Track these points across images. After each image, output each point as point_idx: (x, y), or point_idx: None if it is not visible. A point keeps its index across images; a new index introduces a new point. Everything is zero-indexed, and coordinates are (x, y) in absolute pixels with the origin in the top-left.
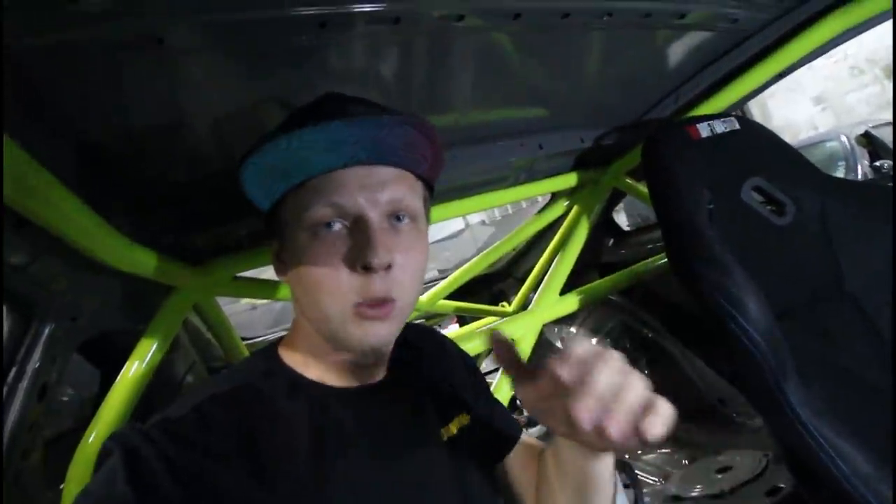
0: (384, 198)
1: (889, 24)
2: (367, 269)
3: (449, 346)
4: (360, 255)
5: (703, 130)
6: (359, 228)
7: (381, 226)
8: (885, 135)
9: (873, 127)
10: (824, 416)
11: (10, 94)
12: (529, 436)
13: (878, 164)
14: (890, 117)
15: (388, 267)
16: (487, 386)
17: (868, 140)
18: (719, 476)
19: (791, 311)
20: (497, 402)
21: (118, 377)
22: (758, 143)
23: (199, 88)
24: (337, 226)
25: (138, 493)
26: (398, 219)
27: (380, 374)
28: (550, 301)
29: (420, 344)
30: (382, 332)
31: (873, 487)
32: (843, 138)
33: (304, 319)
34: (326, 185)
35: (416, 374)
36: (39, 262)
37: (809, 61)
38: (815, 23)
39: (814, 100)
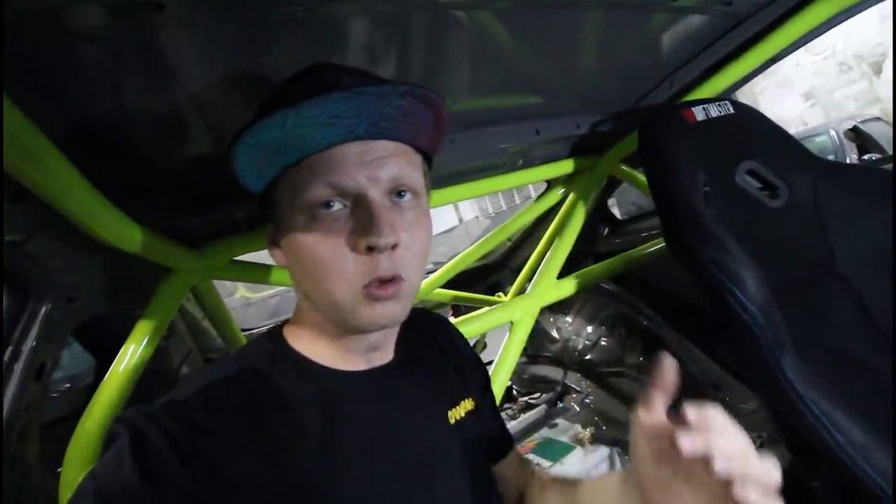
0: (385, 174)
1: (876, 20)
2: (373, 249)
3: (458, 334)
4: (364, 236)
5: (699, 114)
6: (361, 207)
7: (384, 204)
8: (873, 129)
9: (861, 122)
10: (820, 390)
11: (9, 60)
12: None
13: (866, 157)
14: (877, 112)
15: (394, 246)
16: (492, 389)
17: (856, 134)
18: None
19: (786, 291)
20: (497, 408)
21: (114, 361)
22: (752, 127)
23: (195, 63)
24: (336, 205)
25: (146, 475)
26: (400, 195)
27: (387, 357)
28: (548, 285)
29: (428, 328)
30: (392, 312)
31: (869, 457)
32: (833, 133)
33: (309, 303)
34: (323, 164)
35: (424, 357)
36: (35, 238)
37: (803, 44)
38: (808, 5)
39: (803, 96)
